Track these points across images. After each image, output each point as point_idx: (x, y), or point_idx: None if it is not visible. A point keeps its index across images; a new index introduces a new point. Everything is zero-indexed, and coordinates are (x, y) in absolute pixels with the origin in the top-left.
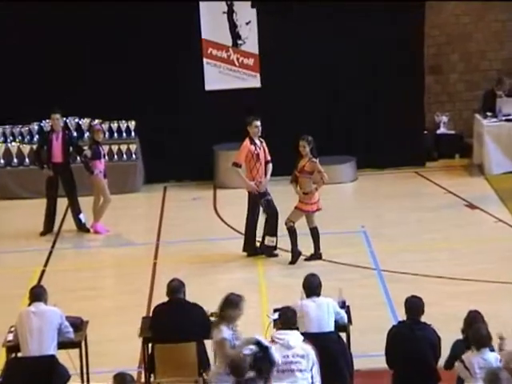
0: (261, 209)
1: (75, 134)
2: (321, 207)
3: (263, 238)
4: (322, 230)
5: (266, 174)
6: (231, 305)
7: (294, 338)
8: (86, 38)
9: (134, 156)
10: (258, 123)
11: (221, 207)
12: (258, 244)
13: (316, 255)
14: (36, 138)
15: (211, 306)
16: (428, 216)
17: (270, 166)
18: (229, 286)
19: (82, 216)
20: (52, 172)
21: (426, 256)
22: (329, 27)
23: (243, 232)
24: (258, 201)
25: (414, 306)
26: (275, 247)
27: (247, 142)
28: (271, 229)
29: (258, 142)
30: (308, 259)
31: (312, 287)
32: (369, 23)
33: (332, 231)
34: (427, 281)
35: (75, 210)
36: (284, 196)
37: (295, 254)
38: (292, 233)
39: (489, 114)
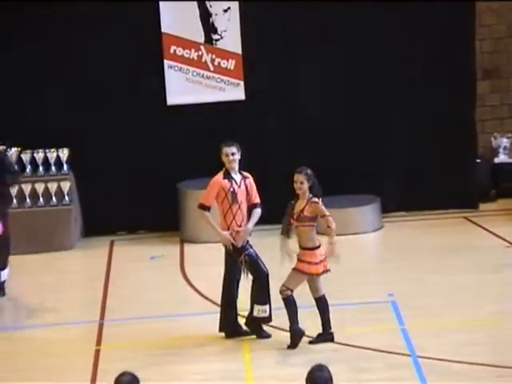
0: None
1: None
2: (329, 268)
3: (251, 309)
4: (333, 301)
5: (248, 221)
6: None
7: None
8: None
9: (66, 198)
10: (232, 150)
11: (190, 269)
12: (243, 319)
13: (325, 336)
14: None
15: None
16: (485, 279)
17: (258, 210)
18: (202, 380)
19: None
20: None
21: (483, 337)
22: (343, 14)
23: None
24: (237, 258)
25: None
26: (269, 318)
27: (219, 176)
28: (260, 295)
29: (237, 176)
30: (314, 342)
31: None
32: (397, 9)
33: (348, 302)
34: (485, 372)
35: None
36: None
37: (296, 335)
38: (290, 305)
39: None
